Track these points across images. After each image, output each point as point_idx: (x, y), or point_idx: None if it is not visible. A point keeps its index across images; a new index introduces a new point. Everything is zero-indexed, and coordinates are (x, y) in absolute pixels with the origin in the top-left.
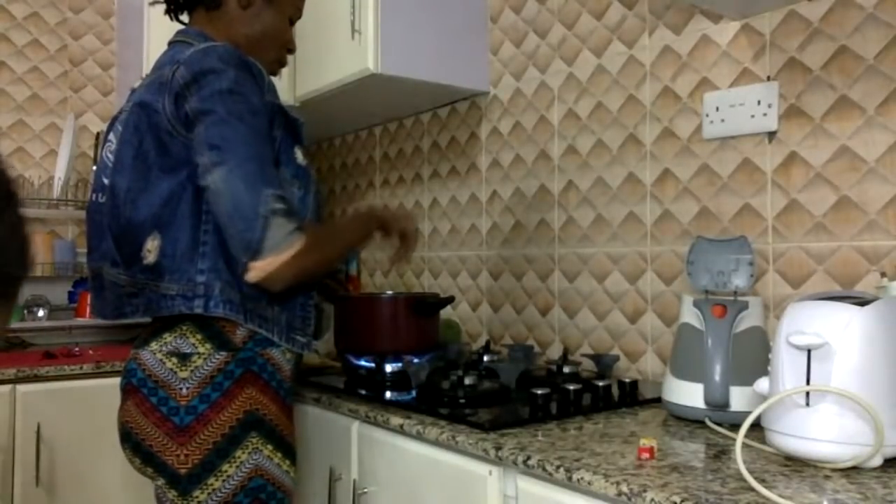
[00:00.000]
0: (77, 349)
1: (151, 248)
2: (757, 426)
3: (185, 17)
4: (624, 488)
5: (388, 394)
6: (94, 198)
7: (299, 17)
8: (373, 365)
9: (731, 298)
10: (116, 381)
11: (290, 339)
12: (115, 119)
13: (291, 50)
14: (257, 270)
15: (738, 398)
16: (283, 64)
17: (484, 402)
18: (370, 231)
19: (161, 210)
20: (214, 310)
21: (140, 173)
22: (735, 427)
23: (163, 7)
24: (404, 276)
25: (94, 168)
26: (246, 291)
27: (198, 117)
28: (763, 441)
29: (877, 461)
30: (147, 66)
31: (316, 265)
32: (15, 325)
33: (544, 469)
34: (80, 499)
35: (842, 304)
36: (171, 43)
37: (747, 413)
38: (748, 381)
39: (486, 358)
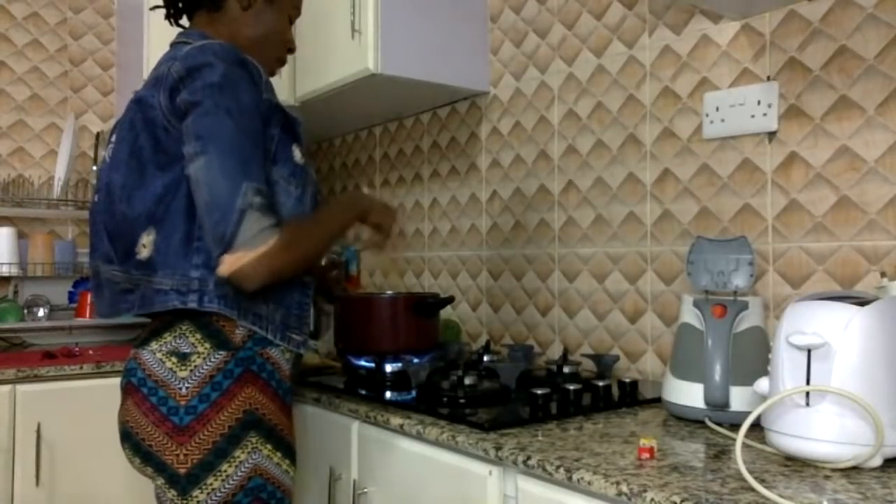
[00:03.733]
0: (77, 349)
1: (146, 243)
2: (757, 426)
3: (184, 22)
4: (624, 488)
5: (388, 394)
6: (94, 198)
7: (298, 16)
8: (373, 365)
9: (731, 298)
10: (116, 381)
11: (286, 337)
12: (118, 121)
13: (292, 49)
14: (227, 264)
15: (738, 398)
16: (282, 63)
17: (484, 402)
18: (350, 223)
19: (156, 205)
20: (209, 305)
21: (135, 169)
22: (735, 427)
23: (161, 10)
24: (404, 275)
25: (95, 168)
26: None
27: (188, 109)
28: (763, 441)
29: (877, 461)
30: (147, 67)
31: (292, 262)
32: (15, 325)
33: (544, 469)
34: (80, 499)
35: (842, 304)
36: (172, 44)
37: (747, 413)
38: (748, 381)
39: (486, 358)
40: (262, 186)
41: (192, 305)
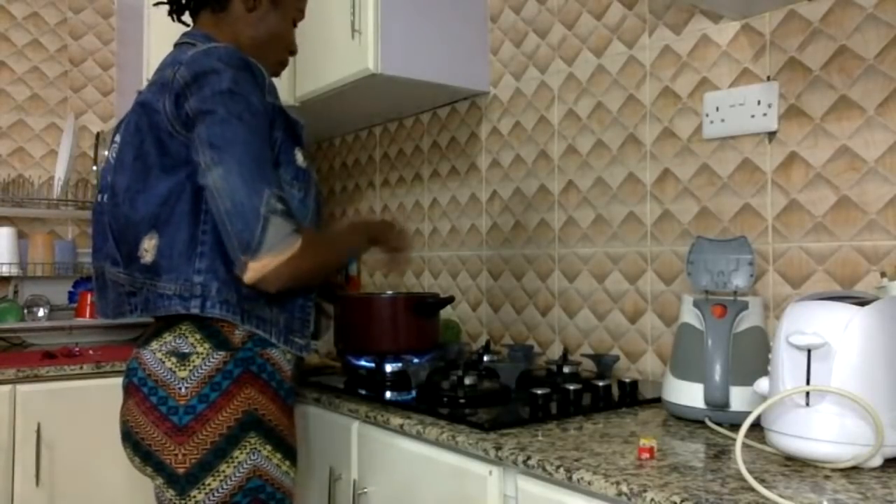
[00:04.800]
0: (77, 349)
1: (149, 248)
2: (757, 426)
3: (186, 18)
4: (624, 488)
5: (388, 394)
6: (98, 198)
7: (302, 18)
8: (373, 365)
9: (731, 298)
10: (116, 381)
11: (289, 340)
12: (121, 121)
13: (293, 52)
14: (253, 271)
15: (738, 398)
16: (284, 65)
17: (484, 402)
18: (367, 243)
19: (159, 209)
20: (211, 310)
21: (140, 173)
22: (735, 427)
23: (164, 7)
24: (404, 275)
25: (95, 168)
26: (244, 292)
27: (198, 117)
28: (763, 441)
29: (877, 461)
30: (147, 67)
31: (313, 268)
32: (15, 325)
33: (544, 469)
34: (80, 499)
35: (842, 304)
36: (176, 45)
37: (747, 413)
38: (748, 381)
39: (486, 358)
40: (282, 192)
41: (195, 311)
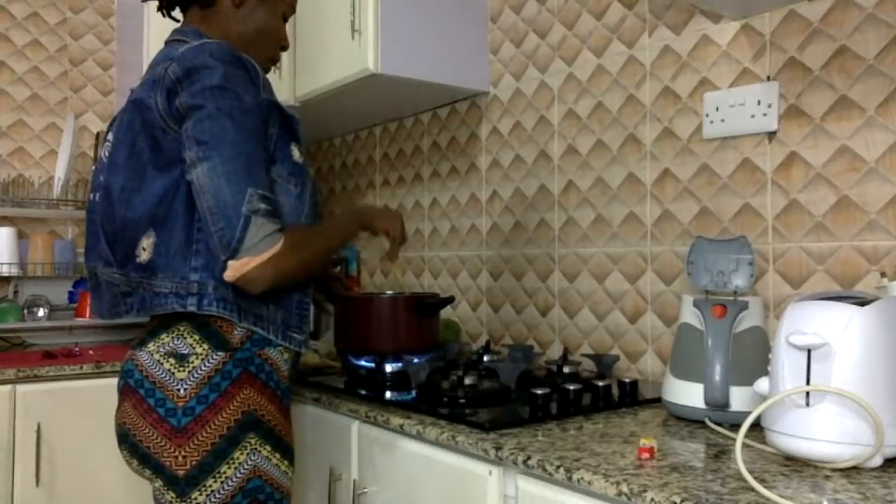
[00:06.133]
0: (77, 349)
1: (146, 246)
2: (757, 426)
3: (177, 14)
4: (624, 488)
5: (388, 394)
6: (91, 197)
7: (292, 14)
8: (373, 365)
9: (731, 298)
10: (116, 381)
11: (287, 336)
12: (114, 119)
13: (284, 47)
14: (233, 269)
15: (738, 398)
16: (275, 61)
17: (484, 402)
18: (353, 232)
19: (156, 208)
20: (208, 308)
21: (134, 172)
22: (735, 427)
23: (157, 5)
24: (405, 274)
25: (94, 168)
26: (240, 289)
27: (187, 112)
28: (763, 441)
29: (877, 461)
30: (147, 66)
31: (297, 268)
32: (15, 325)
33: (544, 469)
34: (80, 499)
35: (842, 304)
36: (167, 42)
37: (747, 413)
38: (748, 381)
39: (486, 358)
40: (268, 192)
41: (192, 309)
